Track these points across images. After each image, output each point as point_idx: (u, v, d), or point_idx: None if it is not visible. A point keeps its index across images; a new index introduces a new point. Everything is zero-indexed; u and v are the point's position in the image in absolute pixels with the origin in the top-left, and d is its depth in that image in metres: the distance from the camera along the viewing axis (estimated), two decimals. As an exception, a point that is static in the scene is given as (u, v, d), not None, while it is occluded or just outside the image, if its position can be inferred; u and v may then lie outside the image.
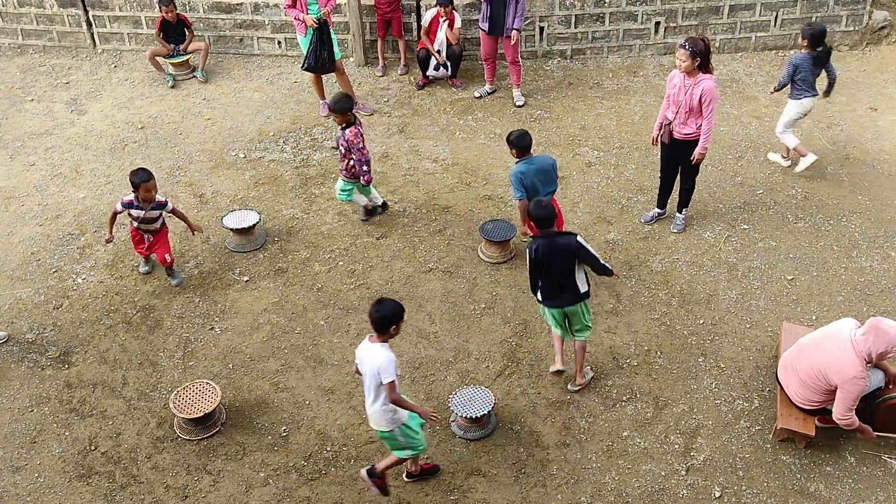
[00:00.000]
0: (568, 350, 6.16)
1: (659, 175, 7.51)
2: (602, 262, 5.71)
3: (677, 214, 7.57)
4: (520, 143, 6.60)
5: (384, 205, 7.88)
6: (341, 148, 7.31)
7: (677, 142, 7.05)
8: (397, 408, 4.96)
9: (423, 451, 5.36)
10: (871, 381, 5.42)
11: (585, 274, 5.76)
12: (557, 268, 5.62)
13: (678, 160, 7.18)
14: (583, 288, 5.74)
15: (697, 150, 6.95)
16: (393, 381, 4.80)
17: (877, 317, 5.23)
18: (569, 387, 6.15)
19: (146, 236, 7.03)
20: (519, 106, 9.51)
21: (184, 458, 5.76)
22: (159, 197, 6.85)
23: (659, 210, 7.68)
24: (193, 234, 7.31)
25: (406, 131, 9.17)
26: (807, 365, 5.40)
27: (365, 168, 7.28)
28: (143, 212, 6.79)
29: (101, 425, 6.01)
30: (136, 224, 6.94)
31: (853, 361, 5.14)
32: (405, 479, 5.54)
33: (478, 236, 7.44)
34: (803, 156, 8.04)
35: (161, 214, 6.95)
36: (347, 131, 7.17)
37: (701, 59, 6.61)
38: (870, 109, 9.37)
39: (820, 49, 7.63)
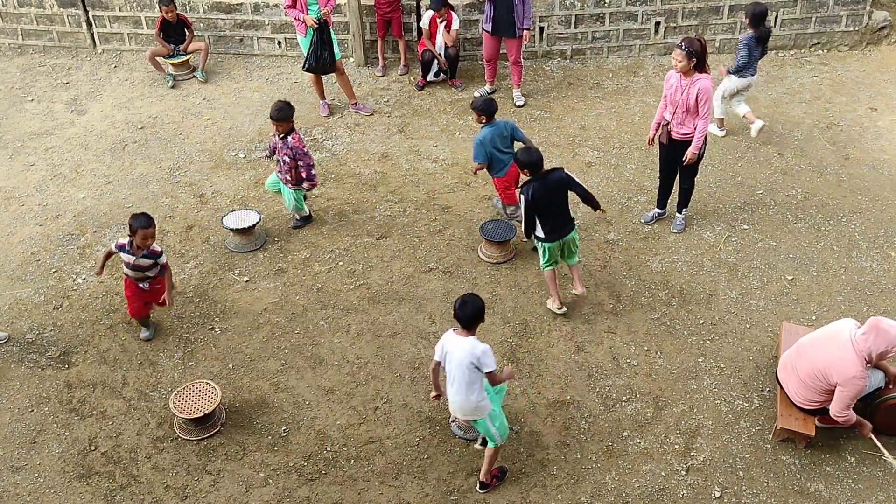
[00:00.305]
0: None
1: (658, 175, 7.51)
2: (588, 191, 6.45)
3: (677, 215, 7.57)
4: (488, 109, 7.05)
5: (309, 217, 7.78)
6: (285, 157, 7.21)
7: (675, 142, 7.05)
8: (485, 397, 5.14)
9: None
10: (871, 381, 5.43)
11: None
12: (557, 202, 6.32)
13: (677, 160, 7.18)
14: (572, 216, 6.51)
15: (690, 151, 6.95)
16: (493, 370, 5.00)
17: (877, 316, 5.24)
18: (572, 292, 6.68)
19: (142, 285, 6.40)
20: (519, 106, 9.51)
21: (184, 458, 5.76)
22: (155, 246, 6.30)
23: (659, 210, 7.68)
24: (163, 301, 6.53)
25: (406, 131, 9.17)
26: (807, 365, 5.40)
27: (313, 172, 7.30)
28: (134, 258, 6.24)
29: (101, 425, 6.01)
30: (126, 270, 6.38)
31: (853, 361, 5.14)
32: (478, 447, 5.62)
33: (478, 236, 7.44)
34: (720, 128, 8.89)
35: (154, 264, 6.33)
36: (290, 138, 7.12)
37: (697, 59, 6.63)
38: (870, 109, 9.37)
39: (761, 28, 8.23)
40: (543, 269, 6.63)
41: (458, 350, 5.00)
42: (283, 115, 7.05)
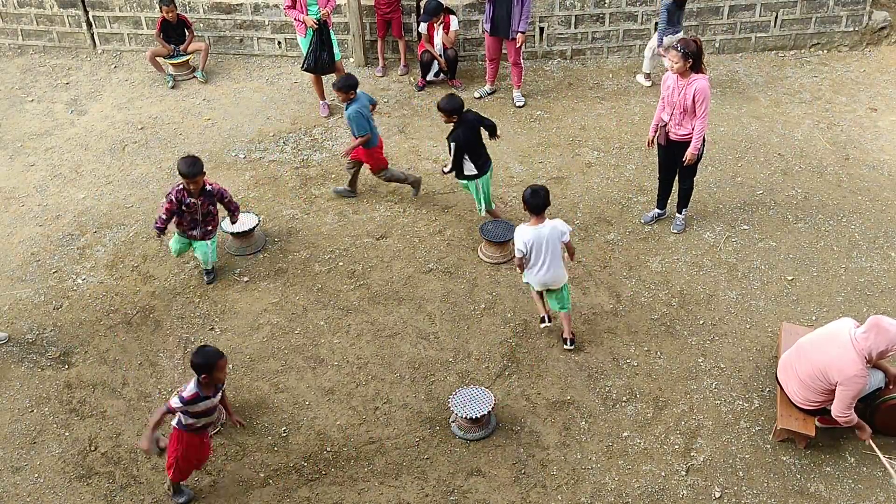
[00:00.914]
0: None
1: (658, 176, 7.51)
2: (492, 121, 7.35)
3: (677, 215, 7.57)
4: (354, 84, 7.44)
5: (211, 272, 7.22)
6: (209, 208, 6.81)
7: (674, 143, 7.05)
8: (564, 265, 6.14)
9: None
10: (871, 381, 5.42)
11: None
12: (478, 139, 7.21)
13: (676, 161, 7.18)
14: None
15: (689, 151, 6.95)
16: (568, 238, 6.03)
17: (877, 315, 5.24)
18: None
19: (209, 430, 5.47)
20: (519, 106, 9.51)
21: (184, 458, 5.76)
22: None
23: (659, 210, 7.68)
24: (235, 425, 5.63)
25: (406, 131, 9.17)
26: (807, 365, 5.40)
27: (234, 200, 7.04)
28: (212, 399, 5.15)
29: (101, 425, 6.01)
30: (191, 422, 5.15)
31: (853, 360, 5.14)
32: (567, 346, 6.40)
33: (478, 236, 7.45)
34: (646, 79, 9.90)
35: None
36: (208, 187, 6.71)
37: (693, 59, 6.63)
38: (870, 110, 9.37)
39: None
40: (484, 213, 7.48)
41: (544, 233, 5.92)
42: (198, 167, 6.53)
